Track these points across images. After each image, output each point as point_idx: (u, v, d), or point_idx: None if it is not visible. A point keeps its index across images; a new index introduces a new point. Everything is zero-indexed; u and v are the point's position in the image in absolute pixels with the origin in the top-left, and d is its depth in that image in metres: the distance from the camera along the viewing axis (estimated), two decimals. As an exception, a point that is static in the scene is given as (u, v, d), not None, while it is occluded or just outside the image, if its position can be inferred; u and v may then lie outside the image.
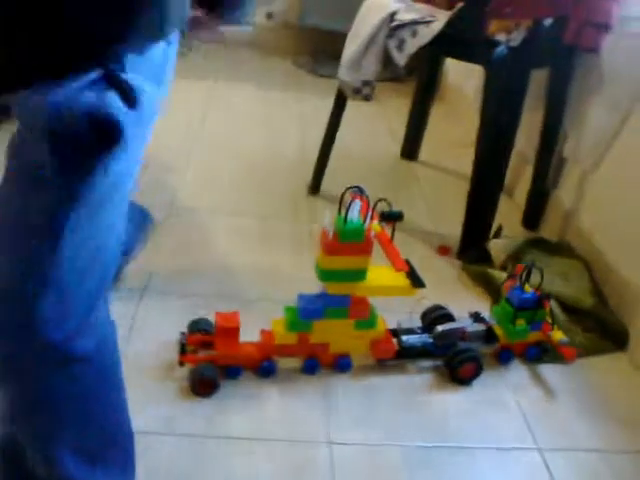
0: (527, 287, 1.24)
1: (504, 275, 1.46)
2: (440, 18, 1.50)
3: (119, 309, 1.21)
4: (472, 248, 1.58)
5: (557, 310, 1.38)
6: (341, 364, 1.19)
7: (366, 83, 1.61)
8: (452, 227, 1.65)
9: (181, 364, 1.12)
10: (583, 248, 1.58)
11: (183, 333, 1.14)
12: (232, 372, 1.14)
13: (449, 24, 1.47)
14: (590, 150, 1.57)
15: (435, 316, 1.28)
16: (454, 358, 1.20)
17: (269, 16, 3.28)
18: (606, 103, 1.52)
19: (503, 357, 1.27)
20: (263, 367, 1.15)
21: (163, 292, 1.33)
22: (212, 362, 1.11)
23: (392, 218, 1.14)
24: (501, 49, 1.42)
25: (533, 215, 1.79)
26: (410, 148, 2.19)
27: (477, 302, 1.44)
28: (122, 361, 0.77)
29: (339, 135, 1.80)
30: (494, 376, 1.24)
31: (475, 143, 1.55)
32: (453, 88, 2.77)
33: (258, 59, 3.15)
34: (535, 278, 1.23)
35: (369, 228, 1.07)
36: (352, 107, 1.74)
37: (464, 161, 1.64)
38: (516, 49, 1.41)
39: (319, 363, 1.18)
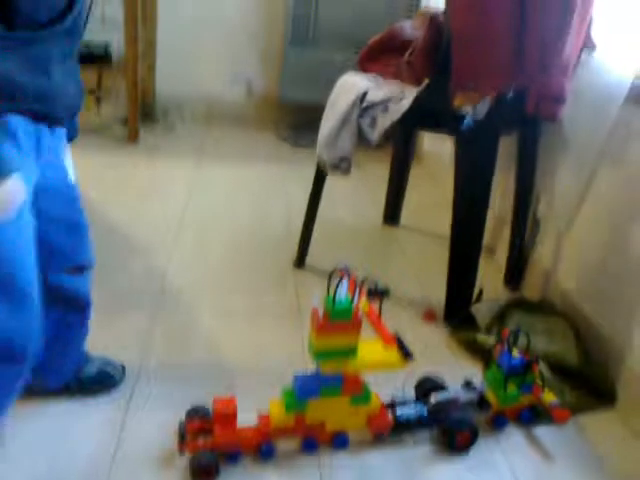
0: (515, 352, 1.27)
1: (491, 339, 1.49)
2: (408, 95, 1.58)
3: (112, 402, 1.25)
4: (457, 313, 1.62)
5: (543, 369, 1.40)
6: (338, 441, 1.21)
7: (343, 159, 1.67)
8: (437, 291, 1.68)
9: (181, 453, 1.13)
10: (565, 306, 1.61)
11: (182, 421, 1.16)
12: (232, 457, 1.15)
13: (417, 99, 1.55)
14: (561, 210, 1.63)
15: (428, 387, 1.31)
16: (450, 427, 1.23)
17: (249, 92, 3.40)
18: (572, 165, 1.59)
19: (497, 422, 1.29)
20: (262, 451, 1.16)
21: (157, 378, 1.35)
22: (211, 449, 1.12)
23: (379, 295, 1.19)
24: (468, 120, 1.49)
25: (514, 274, 1.84)
26: (391, 213, 2.26)
27: (467, 368, 1.46)
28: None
29: (322, 205, 1.86)
30: (490, 442, 1.26)
31: (452, 209, 1.61)
32: (429, 153, 2.87)
33: (241, 133, 3.25)
34: (522, 341, 1.26)
35: (357, 306, 1.10)
36: (333, 177, 1.80)
37: (445, 222, 1.69)
38: (482, 119, 1.48)
39: (317, 442, 1.20)
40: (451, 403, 1.26)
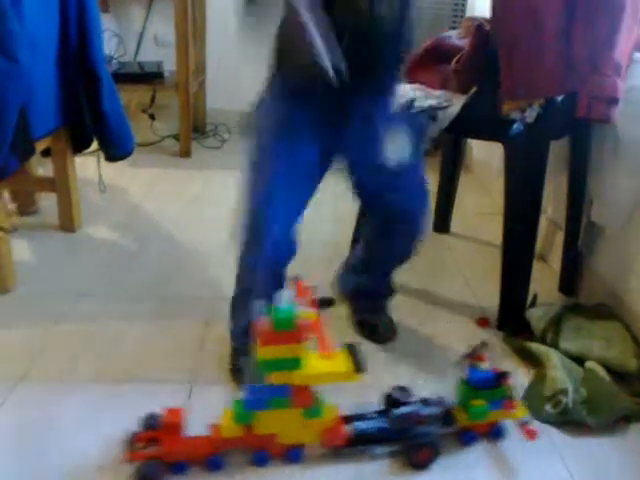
0: (483, 365, 1.23)
1: (543, 347, 1.47)
2: (456, 102, 1.59)
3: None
4: (511, 319, 1.61)
5: (602, 374, 1.38)
6: (291, 455, 1.18)
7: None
8: (490, 297, 1.68)
9: (129, 461, 1.13)
10: (622, 310, 1.59)
11: (132, 431, 1.15)
12: (179, 468, 1.13)
13: (465, 107, 1.56)
14: (615, 214, 1.60)
15: (395, 399, 1.27)
16: (409, 443, 1.18)
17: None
18: (625, 168, 1.57)
19: (465, 439, 1.24)
20: (210, 461, 1.15)
21: (212, 384, 1.39)
22: (157, 458, 1.11)
23: (323, 304, 1.16)
24: (517, 126, 1.49)
25: (569, 280, 1.81)
26: (441, 221, 2.26)
27: (521, 375, 1.45)
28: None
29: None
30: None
31: (503, 215, 1.60)
32: (478, 160, 2.85)
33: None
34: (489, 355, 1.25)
35: (301, 315, 1.09)
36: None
37: (495, 229, 1.68)
38: (531, 125, 1.48)
39: (269, 455, 1.17)
40: (413, 417, 1.21)
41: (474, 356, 1.24)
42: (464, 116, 1.54)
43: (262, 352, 1.09)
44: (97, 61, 1.91)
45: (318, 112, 1.25)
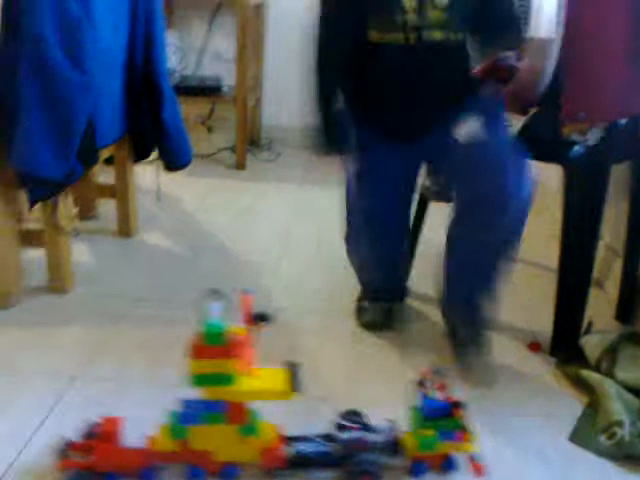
0: (437, 393, 1.17)
1: (597, 376, 1.43)
2: (515, 124, 1.57)
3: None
4: (564, 345, 1.57)
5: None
6: (226, 473, 1.15)
7: (445, 186, 1.69)
8: (544, 322, 1.64)
9: (60, 470, 1.12)
10: (683, 342, 1.53)
11: (66, 439, 1.14)
12: (110, 478, 1.12)
13: (524, 129, 1.54)
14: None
15: (347, 423, 1.21)
16: (350, 470, 1.14)
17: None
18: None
19: (415, 470, 1.18)
20: (142, 474, 1.13)
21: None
22: (89, 468, 1.10)
23: (260, 320, 1.12)
24: (577, 149, 1.46)
25: (626, 308, 1.76)
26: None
27: (572, 402, 1.41)
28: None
29: (428, 231, 1.90)
30: None
31: (560, 239, 1.57)
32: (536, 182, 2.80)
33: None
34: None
35: (232, 331, 1.08)
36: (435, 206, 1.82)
37: (551, 253, 1.65)
38: (593, 147, 1.45)
39: (203, 471, 1.14)
40: (357, 443, 1.16)
41: (427, 384, 1.18)
42: (523, 137, 1.53)
43: (194, 366, 1.08)
44: (160, 74, 1.97)
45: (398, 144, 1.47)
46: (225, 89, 3.06)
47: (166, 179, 2.44)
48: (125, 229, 2.17)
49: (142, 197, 2.35)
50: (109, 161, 2.08)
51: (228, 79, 3.05)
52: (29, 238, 1.74)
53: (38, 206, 1.64)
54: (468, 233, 1.45)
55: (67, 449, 1.12)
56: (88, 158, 1.69)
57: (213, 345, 1.07)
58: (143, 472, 1.13)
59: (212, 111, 3.14)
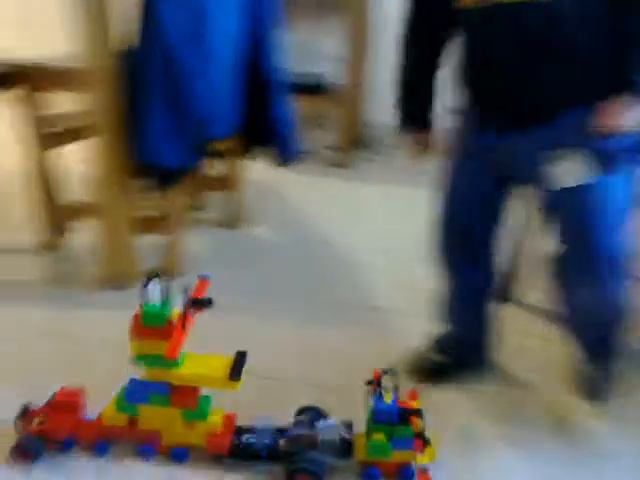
0: (387, 397, 1.10)
1: None
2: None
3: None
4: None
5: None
6: (175, 455, 1.16)
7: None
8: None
9: (18, 433, 1.16)
10: None
11: (27, 405, 1.18)
12: (64, 446, 1.16)
13: None
14: None
15: (304, 418, 1.18)
16: (291, 467, 1.10)
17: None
18: None
19: (366, 475, 1.12)
20: (95, 446, 1.16)
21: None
22: (39, 433, 1.14)
23: (199, 305, 1.11)
24: None
25: None
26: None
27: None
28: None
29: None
30: None
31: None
32: None
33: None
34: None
35: (177, 315, 1.07)
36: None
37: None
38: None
39: (153, 450, 1.16)
40: (305, 440, 1.12)
41: (379, 384, 1.11)
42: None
43: (134, 346, 1.09)
44: (272, 71, 2.01)
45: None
46: (330, 87, 3.09)
47: (273, 174, 2.50)
48: (232, 221, 2.25)
49: (249, 190, 2.42)
50: (220, 154, 2.16)
51: (334, 77, 3.08)
52: (146, 225, 1.85)
53: (156, 194, 1.74)
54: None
55: (26, 414, 1.18)
56: (202, 150, 1.76)
57: (151, 326, 1.08)
58: (96, 444, 1.17)
59: (317, 109, 3.18)
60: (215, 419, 1.17)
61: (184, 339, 1.10)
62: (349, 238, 2.24)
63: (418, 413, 1.11)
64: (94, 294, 1.77)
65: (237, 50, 1.91)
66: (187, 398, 1.14)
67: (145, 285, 1.08)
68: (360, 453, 1.13)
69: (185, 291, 1.10)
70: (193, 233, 2.16)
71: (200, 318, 1.60)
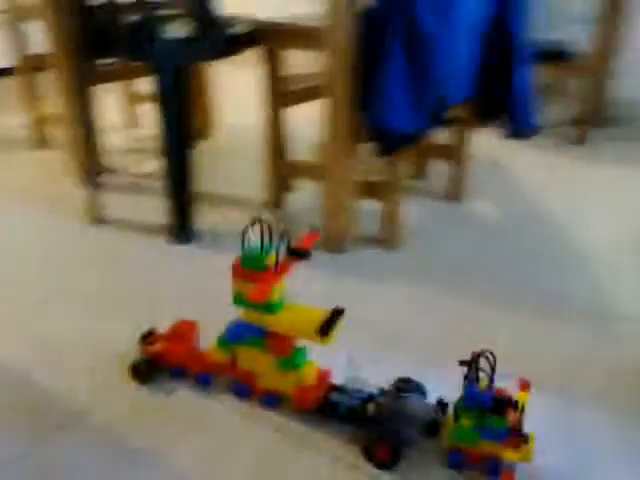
0: (484, 383, 1.01)
1: None
2: None
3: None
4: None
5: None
6: (267, 400, 1.19)
7: None
8: None
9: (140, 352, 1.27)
10: None
11: (149, 329, 1.30)
12: (176, 373, 1.26)
13: None
14: None
15: (402, 388, 1.13)
16: (371, 434, 1.07)
17: None
18: None
19: (451, 459, 1.05)
20: (199, 377, 1.24)
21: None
22: (153, 357, 1.25)
23: (296, 255, 1.10)
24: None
25: None
26: None
27: None
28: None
29: None
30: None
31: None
32: None
33: None
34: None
35: (272, 259, 1.08)
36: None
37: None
38: None
39: (248, 390, 1.20)
40: (395, 411, 1.08)
41: (476, 365, 1.00)
42: None
43: (234, 286, 1.11)
44: (517, 35, 1.84)
45: None
46: (574, 55, 2.79)
47: (501, 147, 2.34)
48: (454, 193, 2.14)
49: (474, 163, 2.28)
50: (450, 122, 2.05)
51: (578, 43, 2.77)
52: (367, 190, 1.81)
53: (380, 160, 1.69)
54: None
55: (147, 338, 1.30)
56: (438, 116, 1.68)
57: (248, 269, 1.10)
58: (200, 376, 1.24)
59: (557, 78, 2.90)
60: (308, 372, 1.17)
61: (276, 285, 1.10)
62: (576, 226, 1.99)
63: (515, 405, 1.00)
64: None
65: (482, 10, 1.78)
66: (280, 346, 1.15)
67: (249, 227, 1.09)
68: (447, 436, 1.06)
69: (283, 238, 1.10)
70: (412, 203, 2.10)
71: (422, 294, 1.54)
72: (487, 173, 2.39)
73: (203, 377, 1.24)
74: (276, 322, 1.12)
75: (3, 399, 1.21)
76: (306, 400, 1.15)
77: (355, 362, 1.20)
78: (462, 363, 1.02)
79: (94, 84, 2.21)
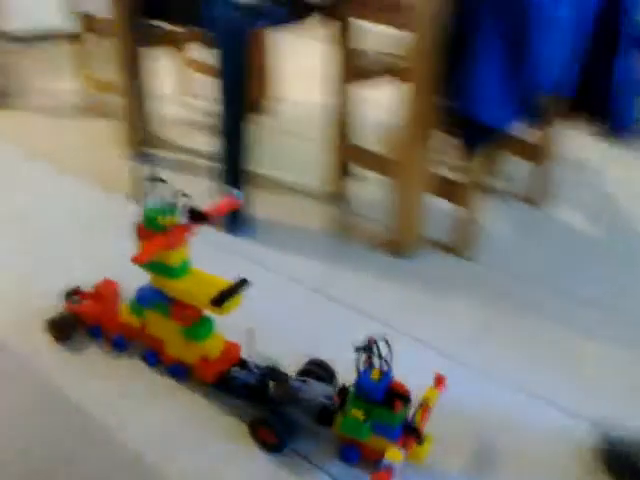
0: (376, 373, 0.93)
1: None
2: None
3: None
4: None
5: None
6: (173, 369, 1.14)
7: None
8: None
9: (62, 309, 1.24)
10: None
11: (74, 286, 1.27)
12: (94, 331, 1.22)
13: None
14: None
15: (310, 369, 1.07)
16: (256, 415, 1.01)
17: None
18: None
19: (343, 453, 0.98)
20: (115, 340, 1.19)
21: None
22: (74, 313, 1.22)
23: (195, 217, 1.04)
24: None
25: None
26: None
27: None
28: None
29: None
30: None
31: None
32: None
33: None
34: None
35: (172, 221, 1.03)
36: None
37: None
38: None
39: (157, 357, 1.15)
40: (288, 393, 1.01)
41: (370, 352, 0.92)
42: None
43: (138, 248, 1.06)
44: (627, 24, 1.60)
45: None
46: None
47: (593, 148, 2.09)
48: (535, 196, 1.90)
49: (562, 164, 2.04)
50: (539, 117, 1.81)
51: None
52: (442, 188, 1.60)
53: (459, 155, 1.48)
54: None
55: (71, 294, 1.26)
56: (531, 110, 1.45)
57: (150, 229, 1.04)
58: (116, 339, 1.20)
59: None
60: (212, 344, 1.11)
61: (173, 248, 1.04)
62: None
63: (405, 399, 0.92)
64: (371, 256, 1.61)
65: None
66: (183, 313, 1.09)
67: (149, 185, 1.04)
68: (336, 424, 0.98)
69: (180, 197, 1.03)
70: (488, 205, 1.88)
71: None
72: (577, 177, 2.13)
73: (119, 340, 1.20)
74: (174, 287, 1.08)
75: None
76: (206, 373, 1.10)
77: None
78: (358, 349, 0.93)
79: (150, 46, 2.06)
